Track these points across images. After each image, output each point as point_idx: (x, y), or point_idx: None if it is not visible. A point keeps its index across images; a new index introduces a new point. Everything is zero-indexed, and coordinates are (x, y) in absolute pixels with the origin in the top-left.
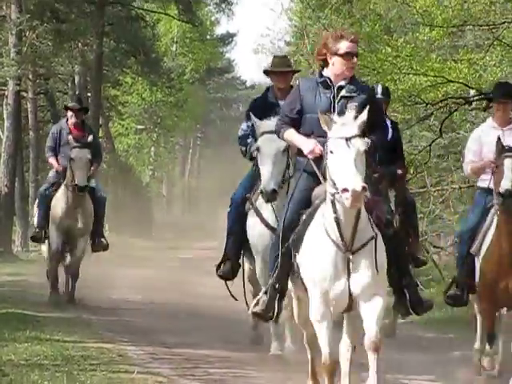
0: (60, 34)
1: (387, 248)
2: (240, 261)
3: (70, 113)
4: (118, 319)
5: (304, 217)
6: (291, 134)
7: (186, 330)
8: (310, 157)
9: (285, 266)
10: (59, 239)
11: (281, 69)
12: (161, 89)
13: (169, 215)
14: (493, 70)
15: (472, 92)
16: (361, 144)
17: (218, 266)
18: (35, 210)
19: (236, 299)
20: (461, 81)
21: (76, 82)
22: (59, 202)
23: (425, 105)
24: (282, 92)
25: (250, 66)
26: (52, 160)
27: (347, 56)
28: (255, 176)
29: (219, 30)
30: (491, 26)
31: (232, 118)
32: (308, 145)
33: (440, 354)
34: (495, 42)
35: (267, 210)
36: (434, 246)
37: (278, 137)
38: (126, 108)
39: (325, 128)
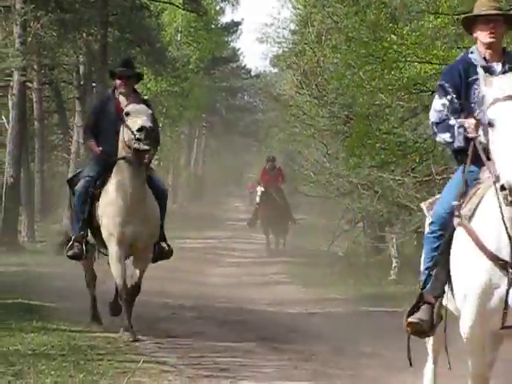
0: (64, 24)
1: None
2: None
3: (118, 81)
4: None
5: None
6: None
7: (192, 319)
8: None
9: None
10: (122, 254)
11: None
12: (166, 78)
13: (174, 205)
14: None
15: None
16: None
17: None
18: (67, 216)
19: None
20: None
21: (81, 72)
22: (113, 199)
23: (430, 93)
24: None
25: (254, 55)
26: (91, 144)
27: None
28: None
29: (224, 19)
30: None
31: (237, 107)
32: None
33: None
34: None
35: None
36: None
37: None
38: None
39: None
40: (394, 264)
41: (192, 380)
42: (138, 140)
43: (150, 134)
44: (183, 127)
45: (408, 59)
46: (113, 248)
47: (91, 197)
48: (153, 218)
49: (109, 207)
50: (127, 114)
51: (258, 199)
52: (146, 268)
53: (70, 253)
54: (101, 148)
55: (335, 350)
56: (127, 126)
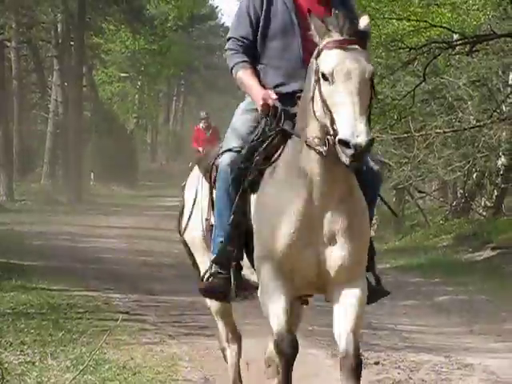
0: None
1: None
2: None
3: None
4: (103, 267)
5: None
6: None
7: (172, 277)
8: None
9: None
10: (288, 296)
11: None
12: (144, 36)
13: (154, 163)
14: (476, 14)
15: (455, 36)
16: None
17: None
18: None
19: None
20: (444, 25)
21: (59, 30)
22: (286, 198)
23: (408, 50)
24: None
25: (233, 13)
26: (249, 82)
27: None
28: None
29: None
30: None
31: (216, 65)
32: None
33: (425, 298)
34: None
35: None
36: (419, 191)
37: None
38: (109, 56)
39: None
40: (374, 221)
41: (171, 337)
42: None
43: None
44: (162, 85)
45: (386, 16)
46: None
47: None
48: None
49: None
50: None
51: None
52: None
53: (204, 286)
54: (274, 95)
55: (315, 307)
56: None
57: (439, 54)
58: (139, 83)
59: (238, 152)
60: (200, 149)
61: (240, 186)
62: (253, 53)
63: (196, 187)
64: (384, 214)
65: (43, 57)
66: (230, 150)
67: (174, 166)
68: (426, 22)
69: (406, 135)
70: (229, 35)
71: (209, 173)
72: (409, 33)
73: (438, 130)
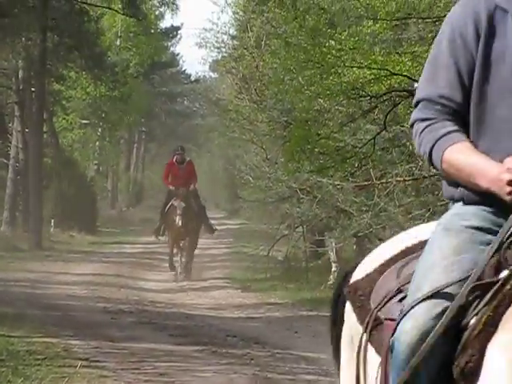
0: (3, 29)
1: None
2: None
3: None
4: (63, 314)
5: None
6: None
7: (131, 324)
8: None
9: None
10: None
11: None
12: (105, 83)
13: (114, 209)
14: None
15: (416, 84)
16: None
17: None
18: None
19: None
20: (405, 73)
21: (20, 77)
22: None
23: (369, 98)
24: None
25: (194, 60)
26: (455, 153)
27: None
28: None
29: (163, 24)
30: (434, 19)
31: (177, 112)
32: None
33: None
34: None
35: None
36: (379, 239)
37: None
38: (70, 103)
39: None
40: (334, 268)
41: None
42: None
43: None
44: (123, 132)
45: (347, 64)
46: None
47: None
48: None
49: None
50: None
51: (176, 205)
52: None
53: None
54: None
55: (274, 354)
56: None
57: (400, 103)
58: (100, 130)
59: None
60: (171, 187)
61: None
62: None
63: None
64: (343, 262)
65: (4, 103)
66: (421, 300)
67: (134, 213)
68: (386, 70)
69: (366, 183)
70: (418, 96)
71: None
72: (370, 81)
73: (399, 178)
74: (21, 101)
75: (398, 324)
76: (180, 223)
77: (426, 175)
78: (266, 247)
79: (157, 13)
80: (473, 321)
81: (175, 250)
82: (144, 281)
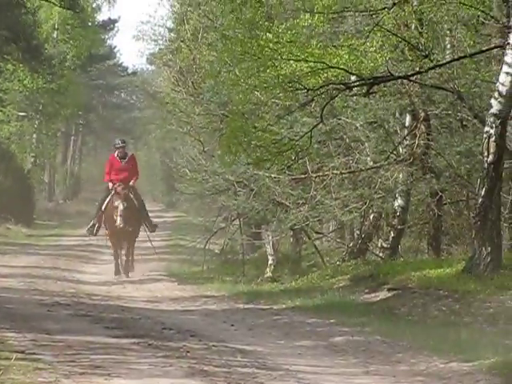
0: None
1: None
2: None
3: None
4: None
5: None
6: None
7: (68, 316)
8: None
9: None
10: None
11: None
12: (42, 76)
13: (51, 202)
14: (373, 56)
15: (353, 78)
16: None
17: None
18: None
19: None
20: (341, 67)
21: None
22: None
23: (306, 91)
24: None
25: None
26: None
27: None
28: None
29: (100, 17)
30: (371, 12)
31: (114, 104)
32: None
33: (321, 338)
34: (375, 28)
35: None
36: (316, 232)
37: None
38: (7, 95)
39: None
40: (270, 261)
41: (66, 377)
42: None
43: None
44: (60, 124)
45: (284, 57)
46: None
47: None
48: None
49: None
50: None
51: (116, 203)
52: None
53: None
54: None
55: (210, 347)
56: None
57: (336, 95)
58: (37, 122)
59: None
60: (110, 184)
61: None
62: None
63: None
64: (280, 255)
65: None
66: None
67: (71, 205)
68: (323, 63)
69: (303, 176)
70: None
71: None
72: (306, 74)
73: (335, 171)
74: None
75: None
76: (121, 225)
77: (363, 168)
78: (202, 240)
79: (94, 5)
80: None
81: (118, 251)
82: (80, 273)
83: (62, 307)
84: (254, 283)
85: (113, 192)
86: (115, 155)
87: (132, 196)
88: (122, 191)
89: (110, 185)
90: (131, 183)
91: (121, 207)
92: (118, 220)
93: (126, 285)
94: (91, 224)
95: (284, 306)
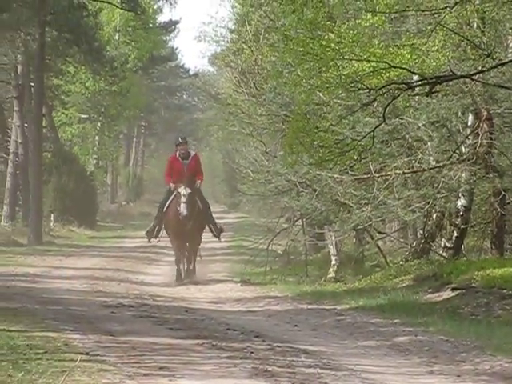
0: (2, 24)
1: None
2: None
3: None
4: (63, 308)
5: None
6: None
7: (132, 318)
8: None
9: None
10: None
11: None
12: (104, 78)
13: (114, 204)
14: (435, 55)
15: (415, 77)
16: None
17: None
18: None
19: None
20: (403, 66)
21: (19, 71)
22: None
23: (368, 90)
24: None
25: (193, 54)
26: None
27: None
28: None
29: (162, 18)
30: (433, 11)
31: (176, 106)
32: None
33: (385, 338)
34: (437, 27)
35: None
36: (379, 232)
37: None
38: (69, 97)
39: None
40: (333, 262)
41: (131, 378)
42: None
43: None
44: (122, 126)
45: (346, 57)
46: None
47: None
48: None
49: None
50: None
51: (179, 205)
52: None
53: None
54: None
55: (274, 347)
56: None
57: (399, 95)
58: (99, 124)
59: None
60: (172, 185)
61: None
62: None
63: None
64: (343, 255)
65: (3, 98)
66: None
67: (134, 207)
68: (385, 63)
69: (365, 176)
70: None
71: None
72: (368, 74)
73: (398, 171)
74: (20, 95)
75: None
76: (184, 227)
77: (426, 168)
78: (265, 241)
79: (155, 7)
80: None
81: (180, 256)
82: (144, 275)
83: (126, 309)
84: (317, 284)
85: (175, 194)
86: (176, 155)
87: (196, 198)
88: (186, 193)
89: (172, 186)
90: (196, 185)
91: (183, 210)
92: (181, 208)
93: (190, 286)
94: (151, 227)
95: (347, 306)
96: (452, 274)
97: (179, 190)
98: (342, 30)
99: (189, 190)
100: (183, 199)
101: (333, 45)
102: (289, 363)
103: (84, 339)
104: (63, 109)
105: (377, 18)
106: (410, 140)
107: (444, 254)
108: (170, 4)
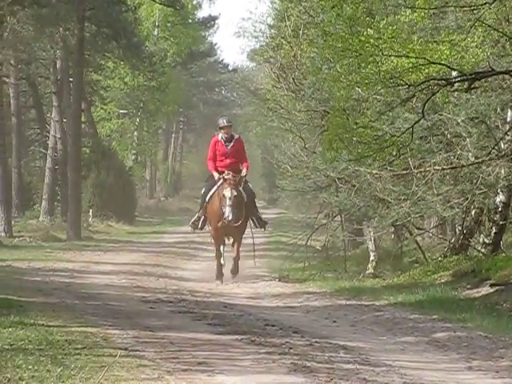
0: (41, 19)
1: None
2: None
3: None
4: (101, 303)
5: None
6: None
7: (170, 313)
8: None
9: None
10: None
11: None
12: (143, 73)
13: (152, 199)
14: (474, 51)
15: (454, 73)
16: None
17: None
18: None
19: None
20: (443, 62)
21: (58, 67)
22: None
23: (407, 86)
24: None
25: (232, 50)
26: None
27: None
28: None
29: (201, 14)
30: (472, 7)
31: (215, 101)
32: None
33: (423, 334)
34: (476, 23)
35: None
36: (417, 228)
37: None
38: (108, 92)
39: None
40: (372, 258)
41: (170, 373)
42: None
43: None
44: (161, 122)
45: (385, 53)
46: None
47: None
48: None
49: None
50: None
51: (224, 193)
52: None
53: None
54: None
55: (313, 343)
56: None
57: (438, 91)
58: (138, 120)
59: None
60: (215, 174)
61: None
62: None
63: None
64: (382, 251)
65: (42, 93)
66: None
67: (173, 202)
68: (424, 59)
69: (404, 172)
70: None
71: None
72: (408, 70)
73: (437, 167)
74: (59, 91)
75: None
76: (229, 217)
77: (465, 164)
78: (304, 236)
79: (194, 2)
80: None
81: (221, 250)
82: (182, 270)
83: (165, 304)
84: (355, 279)
85: (220, 182)
86: (219, 138)
87: (241, 187)
88: (231, 180)
89: (216, 174)
90: (243, 173)
91: (229, 199)
92: (226, 212)
93: (229, 281)
94: (195, 217)
95: (386, 302)
96: (490, 270)
97: (224, 192)
98: (381, 26)
99: (234, 193)
100: (229, 202)
101: (372, 41)
102: (327, 359)
103: (123, 334)
104: (102, 104)
105: (416, 14)
106: (448, 136)
107: (483, 250)
108: (209, 0)
